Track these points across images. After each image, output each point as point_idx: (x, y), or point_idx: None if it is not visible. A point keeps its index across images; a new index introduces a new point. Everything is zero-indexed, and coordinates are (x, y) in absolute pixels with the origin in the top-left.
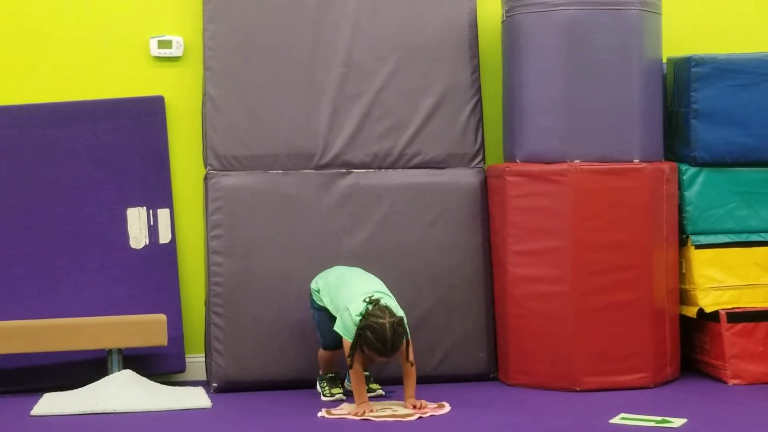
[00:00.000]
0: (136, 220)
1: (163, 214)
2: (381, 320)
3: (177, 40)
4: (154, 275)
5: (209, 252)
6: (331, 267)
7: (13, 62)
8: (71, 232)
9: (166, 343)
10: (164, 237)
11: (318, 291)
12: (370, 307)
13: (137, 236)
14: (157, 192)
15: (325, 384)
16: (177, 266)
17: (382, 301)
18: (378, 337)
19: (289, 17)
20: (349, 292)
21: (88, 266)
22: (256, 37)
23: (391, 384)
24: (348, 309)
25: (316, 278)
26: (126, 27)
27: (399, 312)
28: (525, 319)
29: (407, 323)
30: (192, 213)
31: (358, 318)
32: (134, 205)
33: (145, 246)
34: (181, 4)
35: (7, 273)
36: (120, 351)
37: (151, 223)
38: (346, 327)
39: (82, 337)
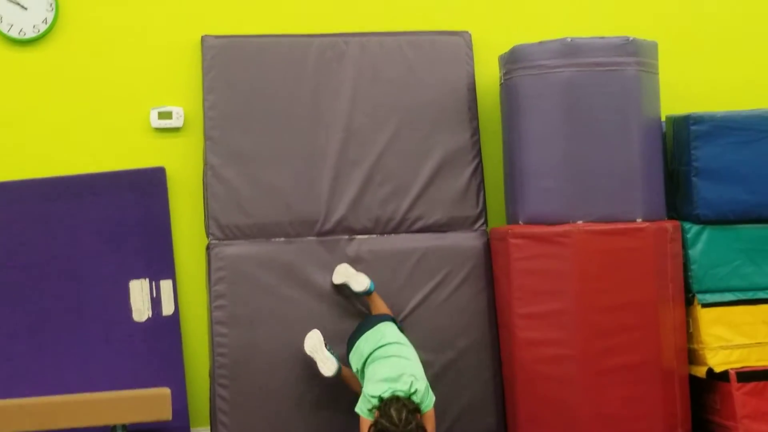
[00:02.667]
0: (139, 292)
1: (166, 285)
2: (393, 429)
3: (177, 110)
4: (157, 348)
5: (213, 323)
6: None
7: (13, 136)
8: (73, 306)
9: (170, 418)
10: (167, 309)
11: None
12: (387, 395)
13: (140, 309)
14: (159, 263)
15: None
16: (180, 338)
17: (407, 387)
18: None
19: (289, 85)
20: (379, 372)
21: (91, 340)
22: (255, 106)
23: None
24: (365, 391)
25: (353, 351)
26: (126, 98)
27: (427, 395)
28: (533, 382)
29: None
30: (195, 284)
31: (375, 401)
32: (137, 278)
33: (148, 318)
34: (180, 75)
35: (9, 349)
36: (124, 426)
37: (154, 295)
38: (365, 406)
39: (84, 413)
